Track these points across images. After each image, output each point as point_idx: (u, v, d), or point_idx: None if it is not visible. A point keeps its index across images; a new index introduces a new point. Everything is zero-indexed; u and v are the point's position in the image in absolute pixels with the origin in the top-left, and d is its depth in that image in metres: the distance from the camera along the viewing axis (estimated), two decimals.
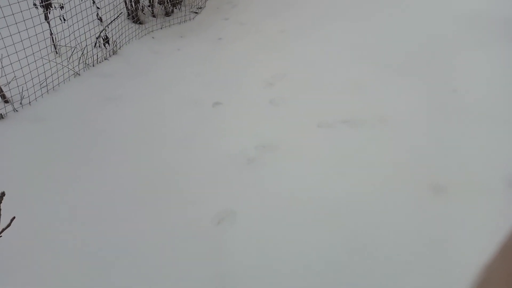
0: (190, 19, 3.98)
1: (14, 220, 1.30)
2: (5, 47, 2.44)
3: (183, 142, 2.33)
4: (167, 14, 4.00)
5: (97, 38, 3.21)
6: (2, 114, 2.45)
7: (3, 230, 1.29)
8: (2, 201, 1.15)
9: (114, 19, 3.37)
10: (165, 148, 2.30)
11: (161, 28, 3.79)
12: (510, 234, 0.41)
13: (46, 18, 2.83)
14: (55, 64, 2.81)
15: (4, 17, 2.42)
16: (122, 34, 3.44)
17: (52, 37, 2.94)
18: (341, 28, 3.39)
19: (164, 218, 1.87)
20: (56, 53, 3.02)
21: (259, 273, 1.62)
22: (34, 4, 2.72)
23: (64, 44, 3.01)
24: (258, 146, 2.25)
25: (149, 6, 3.89)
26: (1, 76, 2.48)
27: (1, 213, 1.19)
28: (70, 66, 2.92)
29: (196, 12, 4.10)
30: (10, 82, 2.54)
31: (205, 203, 1.93)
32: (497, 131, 2.18)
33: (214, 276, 1.61)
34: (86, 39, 3.08)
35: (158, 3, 3.94)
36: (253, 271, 1.62)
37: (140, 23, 3.78)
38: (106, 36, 3.25)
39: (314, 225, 1.79)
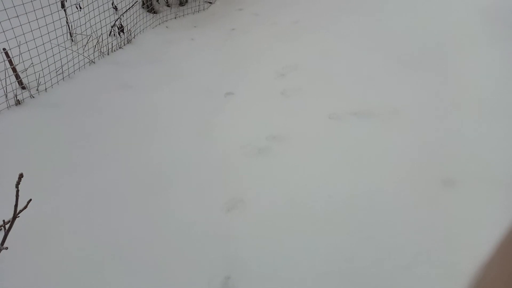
0: (204, 9, 3.99)
1: (30, 202, 1.34)
2: (23, 33, 2.49)
3: (194, 131, 2.36)
4: (181, 3, 4.01)
5: (112, 27, 3.24)
6: (19, 100, 2.51)
7: (20, 211, 1.34)
8: (20, 182, 1.20)
9: (129, 8, 3.39)
10: (177, 136, 2.33)
11: (175, 18, 3.81)
12: (508, 232, 0.41)
13: (63, 6, 2.87)
14: (71, 51, 2.86)
15: (23, 3, 2.47)
16: (136, 23, 3.46)
17: (68, 25, 2.98)
18: (354, 20, 3.36)
19: (174, 205, 1.90)
20: (72, 41, 3.06)
21: (267, 260, 1.64)
22: None
23: (80, 32, 3.05)
24: (268, 137, 2.27)
25: None
26: (19, 63, 2.53)
27: (19, 194, 1.23)
28: (85, 54, 2.96)
29: (210, 2, 4.10)
30: (27, 68, 2.59)
31: (215, 191, 1.96)
32: (509, 125, 2.16)
33: (222, 261, 1.64)
34: (101, 28, 3.11)
35: None
36: (261, 258, 1.65)
37: (154, 12, 3.80)
38: (121, 24, 3.29)
39: (323, 216, 1.80)
